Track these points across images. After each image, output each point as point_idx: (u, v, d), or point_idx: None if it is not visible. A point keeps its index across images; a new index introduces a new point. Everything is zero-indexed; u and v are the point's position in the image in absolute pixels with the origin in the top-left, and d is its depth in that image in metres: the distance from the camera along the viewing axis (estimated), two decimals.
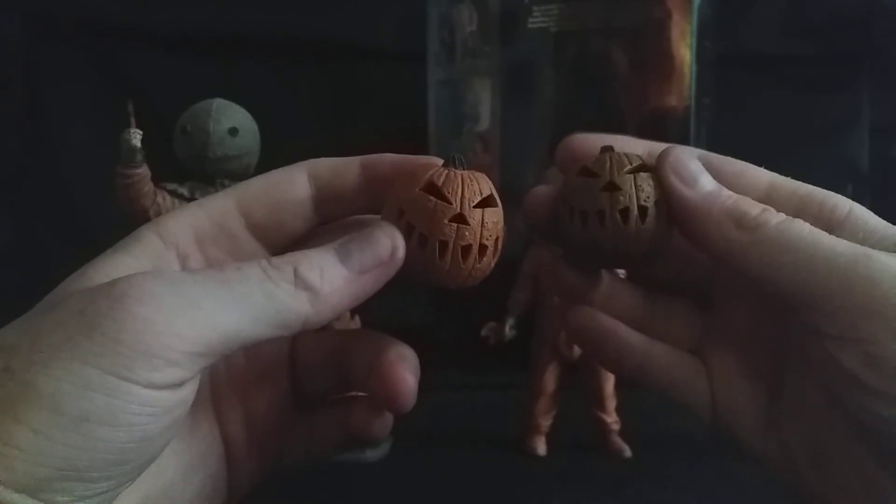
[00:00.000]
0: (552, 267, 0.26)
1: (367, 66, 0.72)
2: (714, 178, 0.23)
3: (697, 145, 0.60)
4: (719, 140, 0.63)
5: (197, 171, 0.45)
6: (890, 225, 0.22)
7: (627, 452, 0.48)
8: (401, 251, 0.21)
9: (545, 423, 0.50)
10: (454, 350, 0.59)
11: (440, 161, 0.23)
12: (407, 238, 0.21)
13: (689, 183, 0.22)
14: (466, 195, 0.21)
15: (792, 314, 0.22)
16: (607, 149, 0.23)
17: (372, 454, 0.48)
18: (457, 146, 0.65)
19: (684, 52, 0.60)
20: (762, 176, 0.24)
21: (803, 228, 0.21)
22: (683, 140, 0.60)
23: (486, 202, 0.22)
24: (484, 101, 0.65)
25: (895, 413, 0.20)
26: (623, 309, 0.26)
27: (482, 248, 0.22)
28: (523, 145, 0.64)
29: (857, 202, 0.23)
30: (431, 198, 0.21)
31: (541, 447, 0.49)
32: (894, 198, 0.71)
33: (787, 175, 0.24)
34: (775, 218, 0.21)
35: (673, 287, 0.27)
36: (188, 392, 0.19)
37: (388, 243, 0.21)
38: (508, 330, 0.50)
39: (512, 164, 0.64)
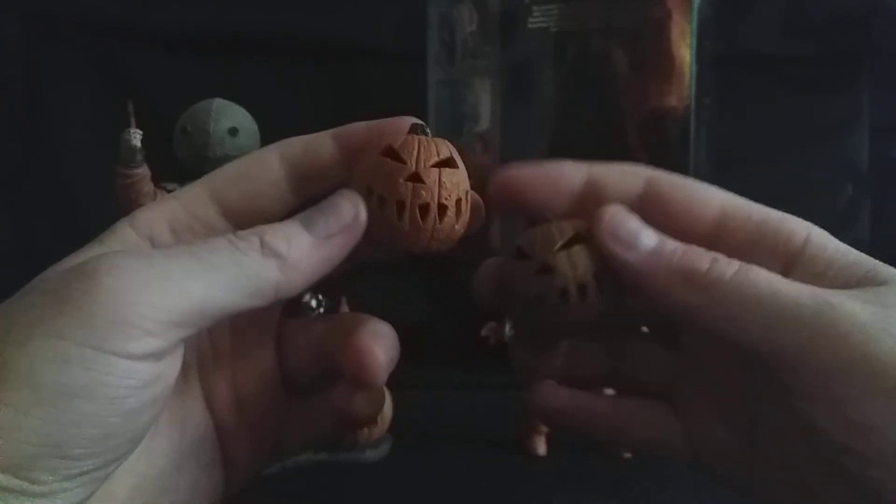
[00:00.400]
0: (520, 351, 0.26)
1: (367, 66, 0.72)
2: (661, 214, 0.22)
3: (697, 145, 0.60)
4: (719, 140, 0.63)
5: (197, 171, 0.45)
6: (848, 251, 0.21)
7: (628, 453, 0.48)
8: (363, 214, 0.21)
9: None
10: (454, 349, 0.59)
11: (411, 120, 0.23)
12: (367, 201, 0.22)
13: (629, 244, 0.21)
14: (422, 156, 0.22)
15: (760, 364, 0.21)
16: (541, 220, 0.23)
17: (372, 454, 0.48)
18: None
19: (684, 52, 0.60)
20: (712, 203, 0.22)
21: (759, 279, 0.20)
22: (683, 140, 0.60)
23: (444, 163, 0.22)
24: (484, 101, 0.65)
25: (876, 473, 0.19)
26: (588, 363, 0.26)
27: (441, 208, 0.21)
28: (523, 145, 0.64)
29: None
30: (388, 160, 0.22)
31: (541, 447, 0.49)
32: (894, 198, 0.71)
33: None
34: (728, 270, 0.20)
35: (637, 330, 0.27)
36: (168, 366, 0.19)
37: (350, 207, 0.21)
38: (508, 330, 0.50)
39: (512, 164, 0.64)
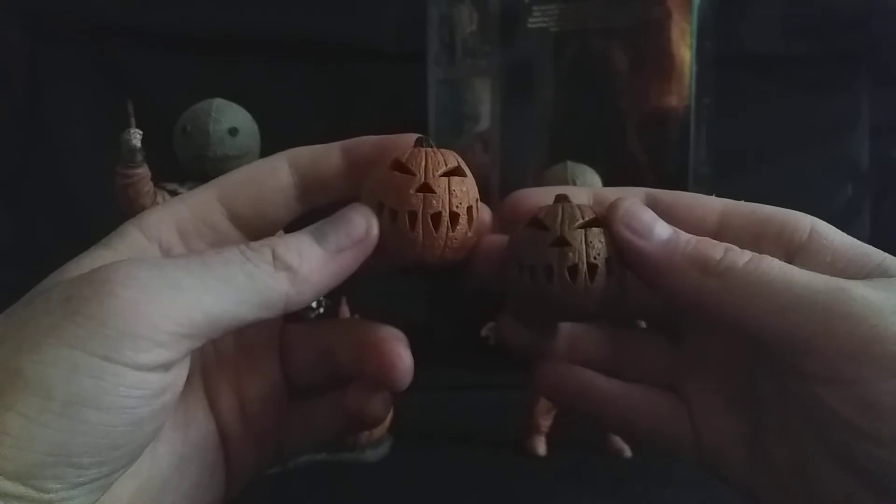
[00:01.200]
0: (511, 329, 0.26)
1: (367, 66, 0.72)
2: (666, 217, 0.22)
3: (697, 145, 0.60)
4: (719, 140, 0.63)
5: (197, 171, 0.45)
6: (856, 242, 0.22)
7: (627, 452, 0.48)
8: (374, 228, 0.22)
9: (545, 423, 0.50)
10: (454, 350, 0.59)
11: (415, 135, 0.23)
12: (379, 216, 0.22)
13: (644, 234, 0.22)
14: (430, 166, 0.22)
15: (769, 351, 0.21)
16: (561, 198, 0.23)
17: (372, 454, 0.48)
18: (457, 146, 0.65)
19: (684, 52, 0.60)
20: (714, 205, 0.23)
21: (772, 267, 0.20)
22: (683, 140, 0.60)
23: (452, 172, 0.22)
24: (484, 101, 0.65)
25: (886, 455, 0.19)
26: (588, 353, 0.26)
27: (453, 216, 0.22)
28: (523, 145, 0.64)
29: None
30: (396, 173, 0.22)
31: (541, 447, 0.49)
32: (894, 198, 0.71)
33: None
34: (742, 258, 0.20)
35: (640, 323, 0.27)
36: (176, 376, 0.19)
37: (362, 221, 0.22)
38: None
39: (512, 164, 0.64)
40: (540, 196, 0.24)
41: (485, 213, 0.24)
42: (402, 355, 0.23)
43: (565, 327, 0.26)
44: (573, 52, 0.63)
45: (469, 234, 0.22)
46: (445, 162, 0.22)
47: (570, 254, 0.21)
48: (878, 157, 0.72)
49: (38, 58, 0.72)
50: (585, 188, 0.25)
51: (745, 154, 0.70)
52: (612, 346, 0.26)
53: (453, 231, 0.22)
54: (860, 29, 0.71)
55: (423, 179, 0.22)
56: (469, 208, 0.22)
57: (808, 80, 0.72)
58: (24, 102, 0.72)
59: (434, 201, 0.21)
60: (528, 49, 0.63)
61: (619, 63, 0.62)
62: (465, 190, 0.22)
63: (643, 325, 0.28)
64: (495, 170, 0.65)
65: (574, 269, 0.21)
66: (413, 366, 0.23)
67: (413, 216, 0.21)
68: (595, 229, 0.22)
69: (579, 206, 0.22)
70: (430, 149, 0.22)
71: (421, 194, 0.21)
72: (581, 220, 0.22)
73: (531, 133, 0.64)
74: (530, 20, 0.63)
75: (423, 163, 0.22)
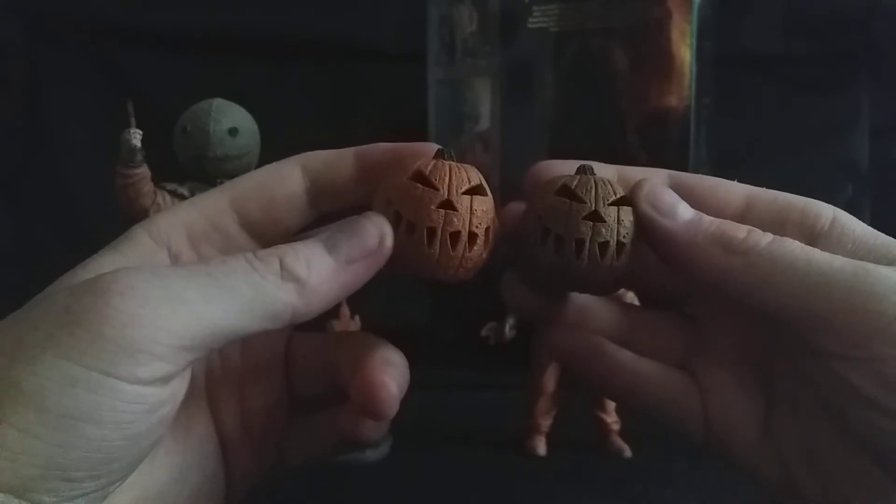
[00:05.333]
0: (512, 288, 0.25)
1: (367, 66, 0.73)
2: (689, 199, 0.22)
3: (697, 145, 0.60)
4: (719, 140, 0.63)
5: (197, 171, 0.45)
6: (878, 233, 0.22)
7: (627, 452, 0.48)
8: (389, 240, 0.21)
9: (545, 423, 0.50)
10: (454, 350, 0.59)
11: (434, 146, 0.22)
12: (395, 227, 0.21)
13: (668, 214, 0.22)
14: (454, 182, 0.21)
15: (786, 331, 0.21)
16: (587, 169, 0.23)
17: (372, 454, 0.48)
18: (457, 146, 0.65)
19: (684, 52, 0.60)
20: (737, 189, 0.23)
21: (794, 247, 0.20)
22: (683, 140, 0.60)
23: (474, 190, 0.21)
24: (484, 101, 0.65)
25: None
26: (598, 324, 0.26)
27: (472, 236, 0.21)
28: (523, 145, 0.64)
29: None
30: (418, 185, 0.21)
31: (541, 447, 0.49)
32: (894, 198, 0.71)
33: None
34: (764, 239, 0.21)
35: (652, 300, 0.27)
36: (176, 389, 0.19)
37: (376, 232, 0.21)
38: (508, 330, 0.50)
39: (512, 164, 0.64)
40: (567, 168, 0.24)
41: (498, 231, 0.23)
42: (386, 385, 0.22)
43: (575, 296, 0.26)
44: (573, 52, 0.63)
45: (484, 254, 0.22)
46: (469, 179, 0.21)
47: (604, 230, 0.21)
48: (878, 157, 0.72)
49: (38, 58, 0.72)
50: (611, 165, 0.24)
51: (744, 154, 0.71)
52: (623, 320, 0.26)
53: (470, 251, 0.21)
54: (860, 29, 0.71)
55: (446, 196, 0.21)
56: (487, 229, 0.22)
57: (808, 80, 0.72)
58: (24, 102, 0.72)
59: (455, 220, 0.21)
60: (528, 49, 0.63)
61: (619, 63, 0.62)
62: (486, 210, 0.21)
63: (630, 295, 0.28)
64: (495, 170, 0.65)
65: (604, 246, 0.21)
66: (399, 396, 0.22)
67: (432, 232, 0.21)
68: (626, 208, 0.22)
69: (610, 183, 0.22)
70: (453, 162, 0.22)
71: (442, 211, 0.21)
72: (614, 197, 0.22)
73: (531, 133, 0.64)
74: (530, 20, 0.63)
75: (448, 178, 0.21)
